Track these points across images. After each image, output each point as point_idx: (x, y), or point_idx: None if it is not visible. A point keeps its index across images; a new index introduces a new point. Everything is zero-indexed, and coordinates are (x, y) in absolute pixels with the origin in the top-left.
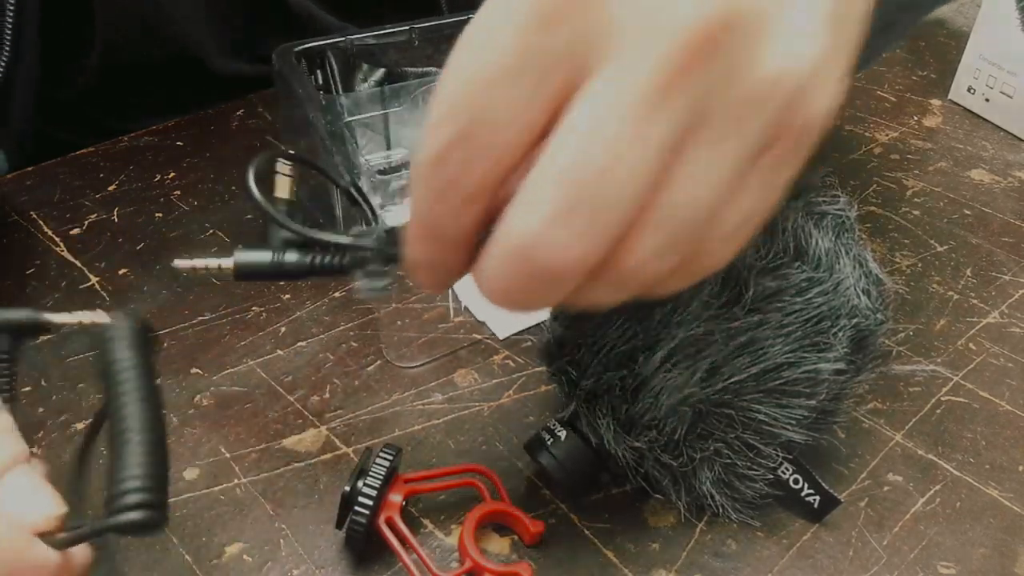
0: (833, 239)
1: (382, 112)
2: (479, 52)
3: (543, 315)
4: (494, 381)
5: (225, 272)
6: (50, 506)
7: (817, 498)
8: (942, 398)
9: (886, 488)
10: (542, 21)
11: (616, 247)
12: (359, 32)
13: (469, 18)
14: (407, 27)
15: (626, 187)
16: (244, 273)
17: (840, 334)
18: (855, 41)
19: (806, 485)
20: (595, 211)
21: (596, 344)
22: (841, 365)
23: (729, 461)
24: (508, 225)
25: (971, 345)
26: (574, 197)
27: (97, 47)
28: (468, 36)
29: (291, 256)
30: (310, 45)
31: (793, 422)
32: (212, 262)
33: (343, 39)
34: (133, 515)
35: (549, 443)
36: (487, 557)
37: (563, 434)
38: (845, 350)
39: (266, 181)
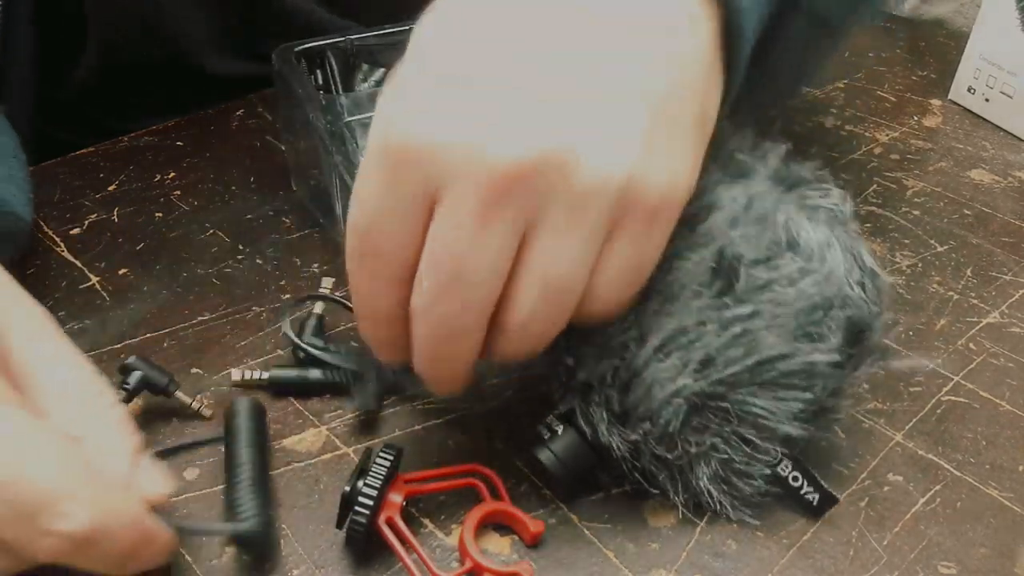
0: (826, 231)
1: None
2: (361, 204)
3: None
4: (494, 380)
5: (263, 382)
6: (168, 486)
7: (816, 496)
8: (942, 398)
9: (886, 488)
10: (395, 172)
11: (501, 309)
12: (360, 32)
13: None
14: (407, 27)
15: (481, 272)
16: (276, 385)
17: (833, 324)
18: (695, 132)
19: (805, 483)
20: (464, 290)
21: (591, 335)
22: (836, 357)
23: (726, 456)
24: (412, 304)
25: (971, 345)
26: (446, 283)
27: (94, 47)
28: (354, 193)
29: (314, 373)
30: (310, 45)
31: (790, 416)
32: (257, 374)
33: (343, 39)
34: (249, 524)
35: (547, 438)
36: (487, 557)
37: (560, 429)
38: (840, 342)
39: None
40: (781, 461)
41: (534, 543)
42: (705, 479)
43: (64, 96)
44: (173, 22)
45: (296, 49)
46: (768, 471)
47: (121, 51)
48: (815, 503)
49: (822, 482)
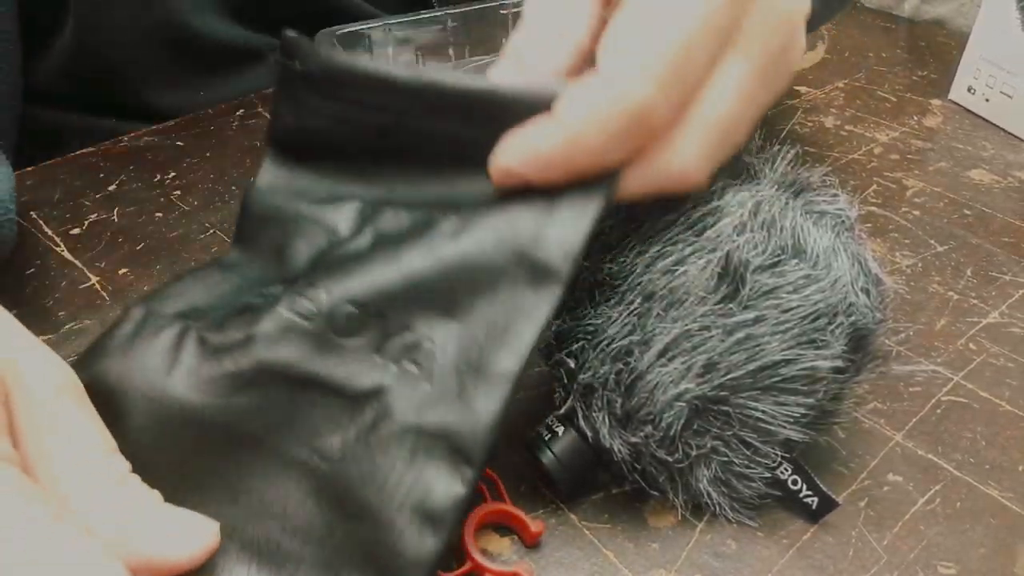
0: (832, 237)
1: None
2: (690, 21)
3: None
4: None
5: None
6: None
7: (815, 499)
8: (942, 398)
9: (886, 488)
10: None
11: (694, 97)
12: (396, 18)
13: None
14: (441, 12)
15: (701, 57)
16: None
17: (837, 331)
18: None
19: (805, 486)
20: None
21: (594, 338)
22: (839, 363)
23: (726, 459)
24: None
25: (971, 345)
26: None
27: (79, 10)
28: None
29: None
30: (350, 30)
31: (791, 420)
32: None
33: (381, 24)
34: None
35: (548, 439)
36: (487, 557)
37: (561, 430)
38: (843, 348)
39: None
40: (781, 464)
41: (534, 543)
42: (705, 481)
43: (47, 68)
44: None
45: (338, 33)
46: (768, 474)
47: (102, 13)
48: (814, 507)
49: (821, 486)
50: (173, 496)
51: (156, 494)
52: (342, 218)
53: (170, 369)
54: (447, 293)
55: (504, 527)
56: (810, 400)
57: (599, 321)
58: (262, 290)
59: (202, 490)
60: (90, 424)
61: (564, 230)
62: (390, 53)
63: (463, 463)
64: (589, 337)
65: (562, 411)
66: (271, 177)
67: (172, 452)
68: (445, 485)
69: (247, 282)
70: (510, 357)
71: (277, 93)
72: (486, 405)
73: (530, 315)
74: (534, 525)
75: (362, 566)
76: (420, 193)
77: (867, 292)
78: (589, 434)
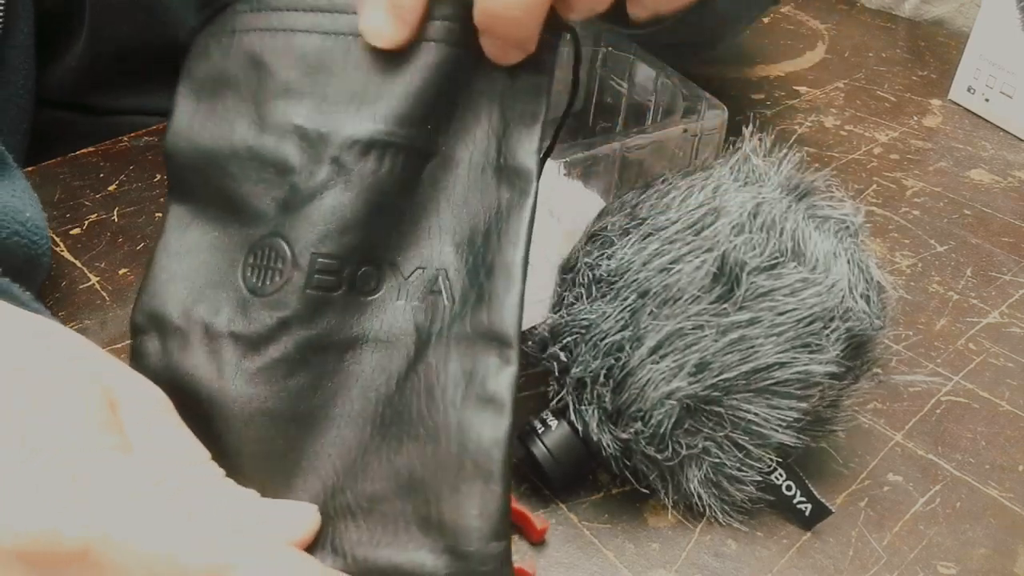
0: (834, 242)
1: None
2: None
3: (544, 314)
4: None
5: None
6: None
7: (809, 506)
8: (942, 398)
9: (886, 488)
10: None
11: None
12: None
13: None
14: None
15: None
16: None
17: (833, 336)
18: None
19: (798, 492)
20: None
21: (587, 333)
22: (833, 368)
23: (718, 460)
24: None
25: (971, 345)
26: None
27: (89, 24)
28: None
29: None
30: None
31: (784, 424)
32: None
33: None
34: None
35: (540, 432)
36: None
37: (555, 424)
38: (839, 353)
39: None
40: (775, 470)
41: (540, 540)
42: (696, 482)
43: (58, 75)
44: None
45: None
46: (760, 478)
47: (116, 28)
48: (807, 513)
49: (815, 493)
50: (264, 490)
51: (253, 492)
52: (286, 146)
53: (220, 374)
54: (442, 224)
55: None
56: (804, 405)
57: (593, 316)
58: (248, 261)
59: (286, 475)
60: (189, 435)
61: (520, 136)
62: None
63: (505, 347)
64: (583, 332)
65: (555, 405)
66: (187, 116)
67: (248, 448)
68: (496, 368)
69: (219, 246)
70: (512, 249)
71: (193, 33)
72: (506, 292)
73: (518, 210)
74: (539, 522)
75: (453, 482)
76: (359, 113)
77: (867, 298)
78: (580, 429)
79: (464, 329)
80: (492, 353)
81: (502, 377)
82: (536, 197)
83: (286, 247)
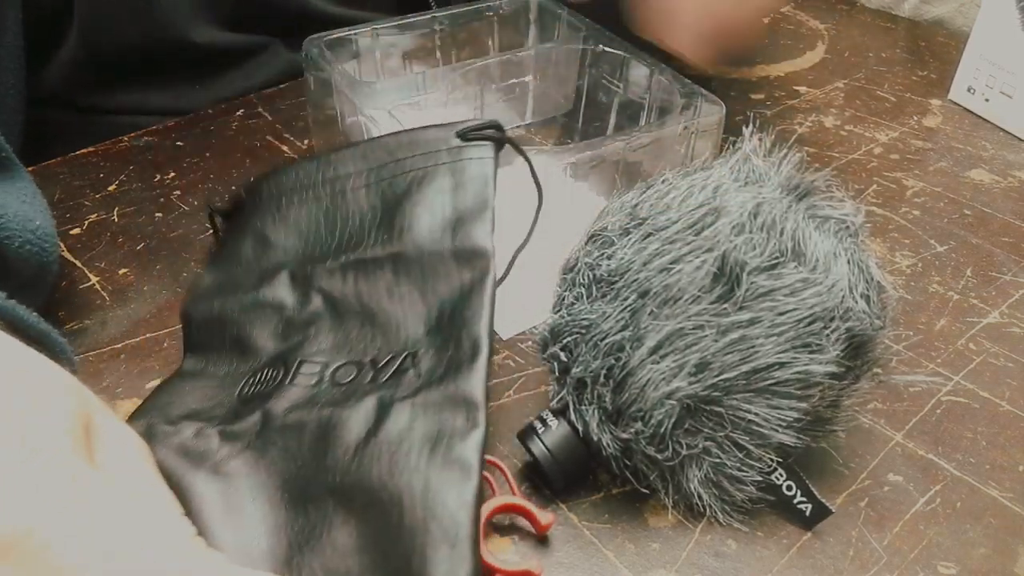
0: (834, 243)
1: (419, 97)
2: None
3: (544, 314)
4: (495, 381)
5: None
6: None
7: (809, 506)
8: (942, 398)
9: (886, 488)
10: None
11: None
12: (384, 22)
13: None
14: (428, 15)
15: None
16: None
17: (833, 336)
18: None
19: (799, 492)
20: None
21: (587, 333)
22: (833, 368)
23: (718, 460)
24: None
25: (971, 345)
26: None
27: (79, 24)
28: None
29: None
30: (339, 35)
31: (784, 424)
32: None
33: (368, 28)
34: None
35: (540, 431)
36: (493, 557)
37: (555, 423)
38: (839, 353)
39: None
40: (775, 470)
41: (544, 535)
42: (696, 482)
43: (50, 75)
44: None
45: (325, 39)
46: (760, 478)
47: (105, 27)
48: (808, 513)
49: (816, 493)
50: (231, 555)
51: (220, 555)
52: (281, 291)
53: (202, 459)
54: (413, 314)
55: (505, 527)
56: (804, 405)
57: (594, 316)
58: (248, 380)
59: (249, 545)
60: (165, 487)
61: (473, 222)
62: (378, 57)
63: (472, 409)
64: (583, 332)
65: (556, 404)
66: (202, 287)
67: (218, 516)
68: (463, 430)
69: (225, 379)
70: (477, 322)
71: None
72: (473, 360)
73: (479, 287)
74: (543, 517)
75: (419, 547)
76: (339, 251)
77: (867, 298)
78: (580, 428)
79: (429, 396)
80: (459, 415)
81: (470, 439)
82: (494, 273)
83: (281, 365)
